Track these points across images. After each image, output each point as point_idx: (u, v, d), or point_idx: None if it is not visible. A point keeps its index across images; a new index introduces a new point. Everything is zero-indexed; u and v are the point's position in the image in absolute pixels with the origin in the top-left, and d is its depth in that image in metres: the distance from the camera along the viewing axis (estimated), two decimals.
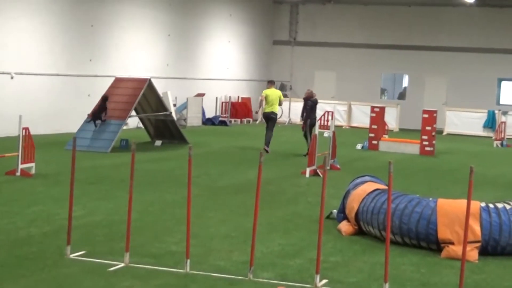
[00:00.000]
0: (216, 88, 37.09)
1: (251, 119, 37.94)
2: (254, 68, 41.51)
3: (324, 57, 42.29)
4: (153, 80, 23.60)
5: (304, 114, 22.53)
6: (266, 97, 23.21)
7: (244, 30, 40.17)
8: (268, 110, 23.21)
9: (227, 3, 38.34)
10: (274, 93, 23.54)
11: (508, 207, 10.19)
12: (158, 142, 23.80)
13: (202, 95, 34.44)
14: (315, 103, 22.79)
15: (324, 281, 8.35)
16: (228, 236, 10.62)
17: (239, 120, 37.16)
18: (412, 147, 25.14)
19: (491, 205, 10.18)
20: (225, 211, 12.65)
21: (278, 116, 24.29)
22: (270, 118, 23.16)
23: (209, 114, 35.53)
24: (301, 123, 22.91)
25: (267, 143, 22.39)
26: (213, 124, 34.43)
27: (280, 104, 23.49)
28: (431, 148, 24.84)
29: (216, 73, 37.52)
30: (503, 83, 40.74)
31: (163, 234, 10.51)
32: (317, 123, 22.00)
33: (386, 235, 8.01)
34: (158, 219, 11.70)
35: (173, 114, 27.26)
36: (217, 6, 37.51)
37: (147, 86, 22.75)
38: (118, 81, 23.47)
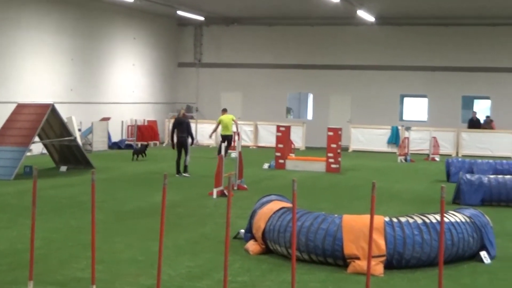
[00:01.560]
0: (121, 111, 36.79)
1: (157, 142, 37.75)
2: (160, 91, 41.36)
3: (229, 78, 42.45)
4: (56, 105, 23.28)
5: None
6: (220, 122, 27.65)
7: (149, 53, 40.03)
8: (224, 133, 27.33)
9: (131, 27, 38.14)
10: (227, 117, 27.77)
11: (411, 221, 10.37)
12: (63, 168, 23.45)
13: (107, 119, 34.12)
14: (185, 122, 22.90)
15: None
16: (135, 260, 10.50)
17: (145, 143, 36.91)
18: (318, 165, 25.41)
19: (395, 220, 10.34)
20: (132, 235, 12.51)
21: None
22: (227, 139, 27.01)
23: (115, 138, 35.22)
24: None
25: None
26: (119, 148, 34.12)
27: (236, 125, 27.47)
28: (337, 165, 25.15)
29: (121, 97, 37.22)
30: (406, 99, 41.60)
31: (69, 261, 10.32)
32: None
33: (292, 253, 8.05)
34: (63, 245, 11.49)
35: (78, 139, 26.91)
36: (121, 30, 37.28)
37: (50, 112, 22.42)
38: (20, 107, 23.08)
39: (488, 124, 37.73)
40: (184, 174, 22.21)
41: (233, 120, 28.02)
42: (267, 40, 42.06)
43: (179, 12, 36.61)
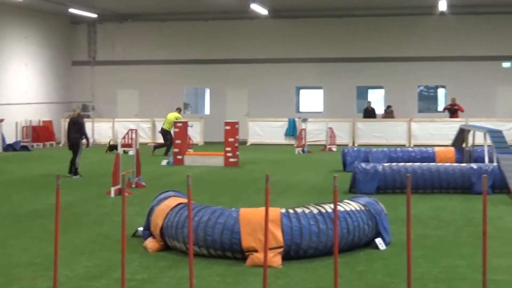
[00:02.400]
0: (15, 112, 36.07)
1: (54, 142, 37.17)
2: (54, 90, 40.72)
3: (125, 75, 42.14)
4: None
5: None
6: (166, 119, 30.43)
7: (42, 52, 39.35)
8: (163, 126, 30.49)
9: (22, 26, 37.42)
10: (171, 115, 30.43)
11: (307, 211, 10.49)
12: None
13: (1, 120, 33.39)
14: (79, 122, 22.42)
15: None
16: (31, 263, 10.32)
17: (41, 144, 36.29)
18: (216, 160, 25.46)
19: (291, 211, 10.45)
20: (28, 238, 12.29)
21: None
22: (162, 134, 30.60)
23: (10, 139, 34.49)
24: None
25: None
26: (14, 149, 33.44)
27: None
28: (235, 159, 25.25)
29: (15, 98, 36.51)
30: (302, 91, 42.08)
31: None
32: (121, 141, 21.86)
33: (189, 248, 8.04)
34: None
35: None
36: (12, 29, 36.54)
37: None
38: None
39: (389, 114, 38.46)
40: (74, 177, 21.70)
41: (175, 118, 29.59)
42: (161, 36, 41.92)
43: (71, 10, 36.10)
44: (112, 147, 30.91)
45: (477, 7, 37.95)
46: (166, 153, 29.14)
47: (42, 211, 15.26)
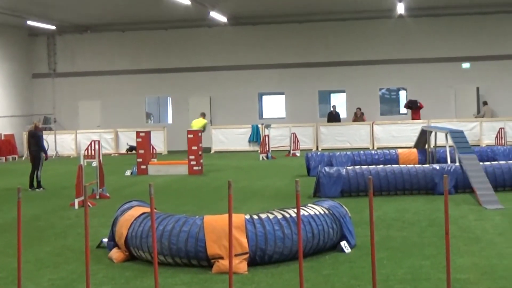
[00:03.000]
0: None
1: (16, 156, 36.87)
2: (15, 103, 40.43)
3: (86, 86, 41.94)
4: None
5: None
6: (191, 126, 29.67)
7: (1, 66, 39.12)
8: None
9: None
10: (197, 122, 30.24)
11: (271, 216, 10.50)
12: None
13: None
14: (36, 135, 22.20)
15: None
16: None
17: (3, 158, 35.98)
18: (180, 168, 25.41)
19: (255, 217, 10.45)
20: None
21: None
22: None
23: None
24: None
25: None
26: None
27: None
28: (199, 167, 25.23)
29: None
30: (264, 97, 42.14)
31: None
32: (84, 153, 21.73)
33: (154, 257, 8.02)
34: None
35: None
36: None
37: None
38: None
39: (360, 117, 38.66)
40: (37, 190, 21.54)
41: (203, 125, 30.16)
42: (121, 46, 41.80)
43: (29, 22, 35.85)
44: (132, 148, 32.18)
45: (435, 9, 38.30)
46: None
47: (5, 226, 15.10)
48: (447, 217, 7.79)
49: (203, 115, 31.50)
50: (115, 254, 11.10)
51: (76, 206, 17.24)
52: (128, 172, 25.91)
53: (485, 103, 38.16)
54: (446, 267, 7.76)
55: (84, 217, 8.06)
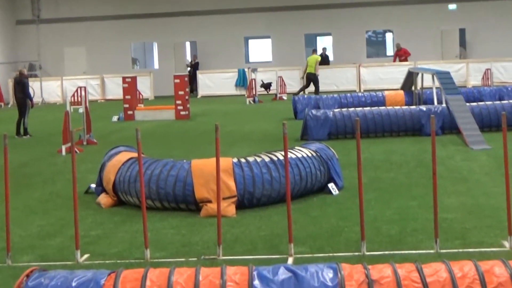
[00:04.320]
0: None
1: (2, 104, 36.70)
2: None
3: (71, 32, 41.58)
4: None
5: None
6: (307, 62, 31.38)
7: None
8: (308, 71, 31.10)
9: None
10: (311, 58, 31.32)
11: (259, 159, 10.51)
12: None
13: None
14: (22, 82, 22.04)
15: (86, 255, 8.24)
16: None
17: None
18: (167, 113, 25.36)
19: (243, 160, 10.46)
20: None
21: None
22: (308, 78, 31.27)
23: None
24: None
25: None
26: None
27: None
28: (186, 112, 25.18)
29: None
30: (250, 41, 41.93)
31: None
32: (71, 99, 21.63)
33: (142, 202, 8.04)
34: None
35: None
36: None
37: None
38: None
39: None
40: (24, 137, 21.47)
41: (316, 60, 31.09)
42: None
43: None
44: (267, 86, 33.85)
45: None
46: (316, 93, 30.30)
47: None
48: (434, 158, 7.82)
49: (314, 51, 33.13)
50: (103, 199, 11.11)
51: (63, 153, 17.20)
52: (115, 118, 25.83)
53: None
54: (434, 207, 7.81)
55: (72, 162, 8.04)
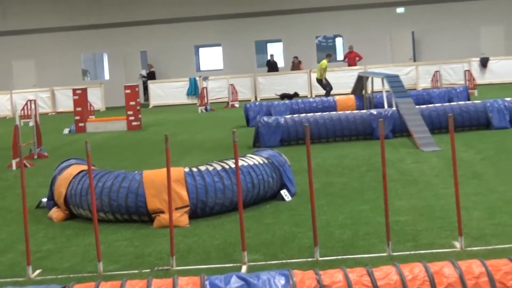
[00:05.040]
0: None
1: None
2: None
3: (20, 45, 41.18)
4: None
5: None
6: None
7: None
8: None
9: None
10: (320, 64, 31.09)
11: (211, 168, 10.50)
12: None
13: None
14: None
15: (38, 271, 8.16)
16: None
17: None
18: (119, 124, 25.22)
19: (194, 169, 10.44)
20: None
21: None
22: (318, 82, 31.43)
23: None
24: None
25: None
26: None
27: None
28: (138, 123, 25.08)
29: None
30: (201, 49, 41.92)
31: None
32: (20, 113, 21.42)
33: (93, 214, 7.98)
34: None
35: None
36: None
37: None
38: None
39: (297, 65, 38.72)
40: None
41: (321, 66, 30.82)
42: (54, 3, 41.05)
43: None
44: (287, 96, 31.74)
45: None
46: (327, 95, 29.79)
47: None
48: (384, 161, 7.90)
49: (327, 56, 32.31)
50: (55, 213, 11.01)
51: (14, 167, 17.00)
52: (66, 130, 25.62)
53: None
54: (385, 210, 7.87)
55: (21, 177, 7.97)
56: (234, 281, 5.23)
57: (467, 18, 39.02)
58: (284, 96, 31.40)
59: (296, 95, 31.79)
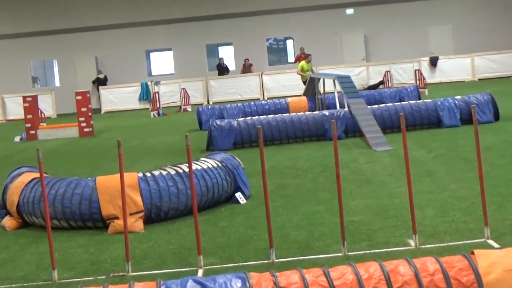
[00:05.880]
0: None
1: None
2: None
3: None
4: None
5: None
6: None
7: None
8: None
9: None
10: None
11: (164, 173, 10.46)
12: None
13: None
14: None
15: None
16: None
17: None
18: (71, 131, 25.03)
19: (148, 174, 10.39)
20: None
21: None
22: None
23: None
24: None
25: None
26: None
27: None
28: (90, 129, 24.90)
29: None
30: (152, 54, 41.77)
31: None
32: None
33: (47, 222, 7.90)
34: None
35: None
36: None
37: None
38: None
39: (248, 68, 38.75)
40: None
41: (300, 67, 29.02)
42: (1, 10, 40.58)
43: None
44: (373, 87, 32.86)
45: None
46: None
47: None
48: (337, 162, 7.93)
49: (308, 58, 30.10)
50: (8, 222, 10.88)
51: None
52: (17, 138, 25.35)
53: None
54: (339, 211, 7.91)
55: None
56: (191, 285, 5.22)
57: (415, 18, 39.46)
58: (370, 87, 32.78)
59: (381, 83, 33.74)
